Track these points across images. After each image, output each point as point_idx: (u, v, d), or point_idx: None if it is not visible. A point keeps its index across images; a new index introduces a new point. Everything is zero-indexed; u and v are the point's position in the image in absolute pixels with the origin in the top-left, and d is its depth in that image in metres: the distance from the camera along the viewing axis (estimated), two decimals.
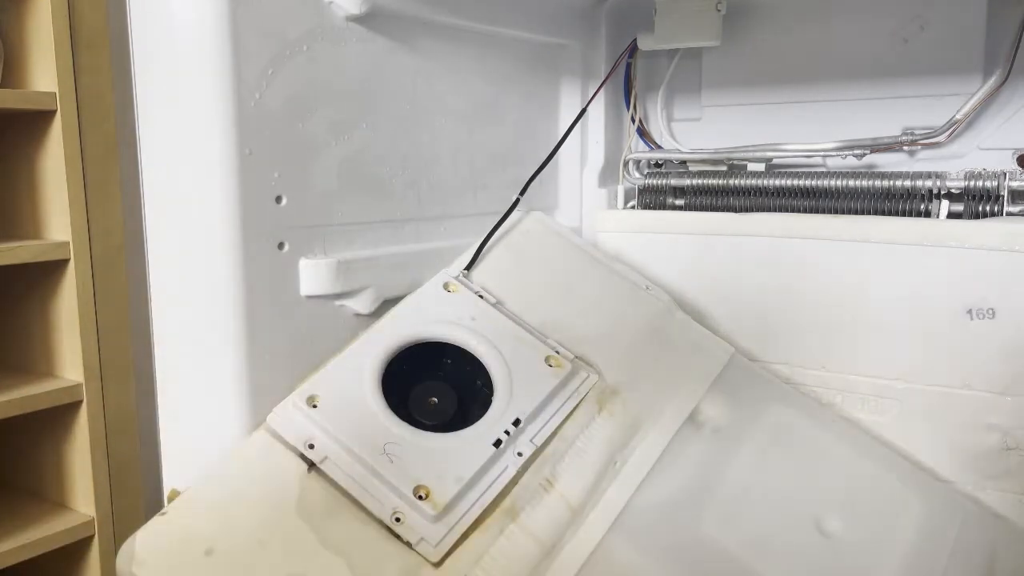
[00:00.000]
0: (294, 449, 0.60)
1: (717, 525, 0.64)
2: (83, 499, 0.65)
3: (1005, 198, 0.77)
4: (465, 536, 0.58)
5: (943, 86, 0.82)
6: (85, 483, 0.64)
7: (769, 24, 0.91)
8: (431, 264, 0.74)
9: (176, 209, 0.64)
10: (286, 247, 0.67)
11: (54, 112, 0.60)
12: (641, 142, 0.99)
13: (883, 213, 0.82)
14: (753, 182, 0.89)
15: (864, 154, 0.85)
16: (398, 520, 0.57)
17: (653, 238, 0.88)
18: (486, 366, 0.67)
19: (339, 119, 0.70)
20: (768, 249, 0.82)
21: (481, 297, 0.72)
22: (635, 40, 0.95)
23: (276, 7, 0.64)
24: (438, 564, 0.56)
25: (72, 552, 0.63)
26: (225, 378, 0.65)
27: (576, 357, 0.70)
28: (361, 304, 0.72)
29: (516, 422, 0.63)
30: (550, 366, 0.68)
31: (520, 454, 0.62)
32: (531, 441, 0.63)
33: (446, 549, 0.57)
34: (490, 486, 0.60)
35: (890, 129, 0.85)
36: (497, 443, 0.62)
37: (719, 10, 0.88)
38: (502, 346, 0.68)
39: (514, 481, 0.61)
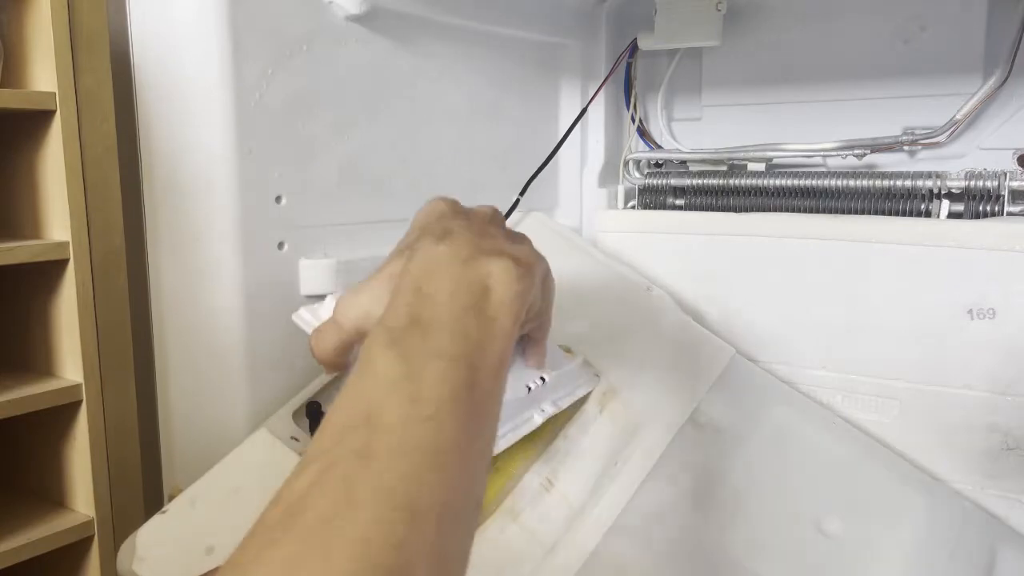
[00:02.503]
0: (296, 448, 0.60)
1: (717, 526, 0.64)
2: (82, 499, 0.64)
3: (1005, 198, 0.77)
4: None
5: (943, 86, 0.82)
6: (84, 483, 0.63)
7: (769, 24, 0.91)
8: None
9: (176, 209, 0.64)
10: (286, 247, 0.67)
11: (53, 112, 0.60)
12: (641, 142, 0.99)
13: (883, 213, 0.82)
14: (753, 182, 0.89)
15: (864, 154, 0.85)
16: None
17: (653, 238, 0.88)
18: None
19: (339, 119, 0.70)
20: (768, 249, 0.81)
21: None
22: (635, 40, 0.95)
23: (276, 7, 0.64)
24: None
25: (72, 553, 0.63)
26: (226, 378, 0.65)
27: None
28: None
29: (542, 379, 0.61)
30: (565, 352, 0.67)
31: (543, 411, 0.61)
32: (555, 403, 0.61)
33: None
34: (514, 430, 0.59)
35: (890, 129, 0.85)
36: (528, 389, 0.61)
37: (719, 10, 0.88)
38: None
39: (517, 478, 0.61)
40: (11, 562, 0.60)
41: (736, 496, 0.67)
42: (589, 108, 0.95)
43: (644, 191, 0.97)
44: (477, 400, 0.37)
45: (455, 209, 0.50)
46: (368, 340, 0.39)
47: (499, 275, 0.42)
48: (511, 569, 0.57)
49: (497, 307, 0.42)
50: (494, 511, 0.59)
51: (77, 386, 0.63)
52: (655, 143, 0.99)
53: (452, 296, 0.41)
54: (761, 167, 0.90)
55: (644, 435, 0.67)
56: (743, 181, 0.90)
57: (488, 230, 0.47)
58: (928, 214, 0.80)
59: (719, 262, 0.84)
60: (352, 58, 0.70)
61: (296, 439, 0.60)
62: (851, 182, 0.83)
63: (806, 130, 0.89)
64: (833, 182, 0.84)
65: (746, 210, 0.89)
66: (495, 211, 0.52)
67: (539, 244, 0.64)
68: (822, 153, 0.87)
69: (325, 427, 0.36)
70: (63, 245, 0.61)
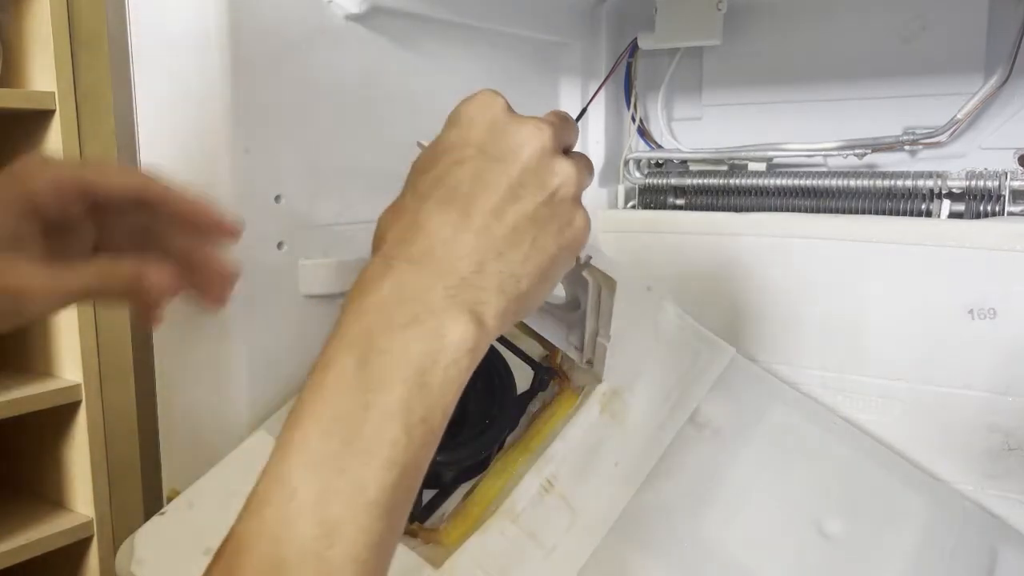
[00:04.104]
0: None
1: (718, 526, 0.64)
2: (82, 500, 0.64)
3: (1006, 198, 0.77)
4: (465, 537, 0.58)
5: (944, 85, 0.82)
6: (84, 484, 0.63)
7: (770, 23, 0.91)
8: None
9: None
10: (285, 247, 0.66)
11: (53, 112, 0.60)
12: (641, 141, 0.99)
13: (884, 213, 0.82)
14: (754, 182, 0.89)
15: (865, 154, 0.85)
16: None
17: (653, 238, 0.88)
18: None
19: (339, 118, 0.70)
20: (768, 249, 0.81)
21: None
22: (636, 39, 0.94)
23: (275, 6, 0.64)
24: (439, 565, 0.56)
25: (71, 553, 0.63)
26: (225, 378, 0.65)
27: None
28: None
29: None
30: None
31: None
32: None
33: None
34: None
35: (891, 129, 0.84)
36: None
37: (720, 9, 0.87)
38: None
39: (517, 478, 0.61)
40: (9, 563, 0.60)
41: (736, 496, 0.67)
42: (589, 107, 0.95)
43: (644, 191, 0.97)
44: (385, 550, 0.35)
45: (492, 141, 0.41)
46: (287, 435, 0.36)
47: (454, 338, 0.36)
48: (511, 570, 0.57)
49: (438, 393, 0.36)
50: (494, 512, 0.59)
51: (76, 386, 0.63)
52: (655, 143, 0.99)
53: (395, 373, 0.35)
54: (762, 167, 0.90)
55: (644, 435, 0.67)
56: (743, 181, 0.90)
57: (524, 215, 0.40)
58: (929, 214, 0.80)
59: (719, 262, 0.84)
60: (352, 57, 0.70)
61: None
62: (852, 182, 0.83)
63: (806, 130, 0.89)
64: (834, 182, 0.84)
65: (747, 210, 0.89)
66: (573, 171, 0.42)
67: None
68: (823, 153, 0.87)
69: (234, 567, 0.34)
70: None
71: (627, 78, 0.98)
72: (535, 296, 0.41)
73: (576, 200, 0.42)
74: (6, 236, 0.44)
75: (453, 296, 0.37)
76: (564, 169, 0.41)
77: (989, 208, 0.77)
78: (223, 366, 0.64)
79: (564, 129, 0.43)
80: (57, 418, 0.63)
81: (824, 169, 0.87)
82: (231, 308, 0.64)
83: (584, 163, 0.44)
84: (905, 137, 0.83)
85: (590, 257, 0.54)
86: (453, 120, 0.44)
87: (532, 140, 0.41)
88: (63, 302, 0.45)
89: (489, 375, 0.66)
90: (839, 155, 0.87)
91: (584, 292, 0.61)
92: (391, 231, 0.40)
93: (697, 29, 0.89)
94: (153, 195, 0.48)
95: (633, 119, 0.98)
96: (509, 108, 0.43)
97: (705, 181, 0.92)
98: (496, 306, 0.38)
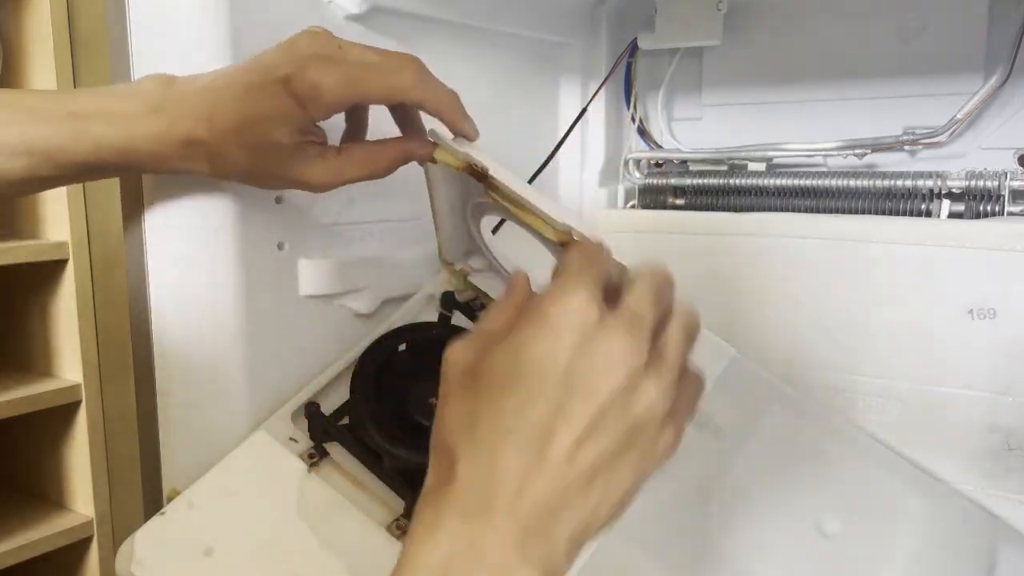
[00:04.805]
0: (294, 449, 0.60)
1: (717, 526, 0.64)
2: (82, 500, 0.64)
3: (1006, 198, 0.77)
4: None
5: (944, 85, 0.82)
6: (84, 484, 0.63)
7: (770, 23, 0.91)
8: (431, 264, 0.74)
9: (176, 209, 0.64)
10: (286, 247, 0.67)
11: None
12: (641, 142, 0.99)
13: (884, 213, 0.82)
14: (754, 182, 0.89)
15: (865, 154, 0.85)
16: (398, 527, 0.57)
17: (653, 238, 0.88)
18: None
19: (338, 118, 0.70)
20: (768, 249, 0.81)
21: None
22: (635, 39, 0.94)
23: (276, 7, 0.64)
24: None
25: (71, 553, 0.63)
26: (225, 378, 0.65)
27: None
28: (361, 304, 0.72)
29: None
30: None
31: None
32: None
33: None
34: None
35: (891, 129, 0.84)
36: None
37: (720, 9, 0.87)
38: None
39: None
40: (11, 562, 0.60)
41: (736, 496, 0.67)
42: (589, 108, 0.95)
43: (644, 191, 0.97)
44: None
45: (579, 364, 0.39)
46: None
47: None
48: None
49: None
50: None
51: (76, 386, 0.63)
52: (655, 143, 0.99)
53: None
54: (761, 167, 0.90)
55: None
56: (743, 181, 0.90)
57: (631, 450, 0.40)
58: (929, 214, 0.80)
59: (719, 262, 0.84)
60: None
61: (295, 440, 0.60)
62: (851, 182, 0.83)
63: (806, 130, 0.89)
64: (833, 182, 0.84)
65: (746, 210, 0.89)
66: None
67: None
68: (822, 153, 0.87)
69: None
70: (62, 245, 0.61)
71: (627, 78, 0.98)
72: (606, 527, 0.41)
73: (664, 418, 0.40)
74: (295, 143, 0.53)
75: (526, 554, 0.36)
76: (652, 393, 0.39)
77: (989, 208, 0.78)
78: (223, 366, 0.64)
79: (658, 313, 0.43)
80: (57, 418, 0.63)
81: (824, 169, 0.87)
82: (231, 308, 0.64)
83: (687, 381, 0.42)
84: (905, 137, 0.83)
85: None
86: (540, 323, 0.39)
87: (620, 366, 0.38)
88: (343, 184, 0.57)
89: None
90: (839, 155, 0.87)
91: None
92: (463, 461, 0.38)
93: (697, 29, 0.89)
94: (412, 100, 0.56)
95: (633, 119, 0.98)
96: (601, 315, 0.39)
97: (705, 181, 0.92)
98: (569, 555, 0.38)
